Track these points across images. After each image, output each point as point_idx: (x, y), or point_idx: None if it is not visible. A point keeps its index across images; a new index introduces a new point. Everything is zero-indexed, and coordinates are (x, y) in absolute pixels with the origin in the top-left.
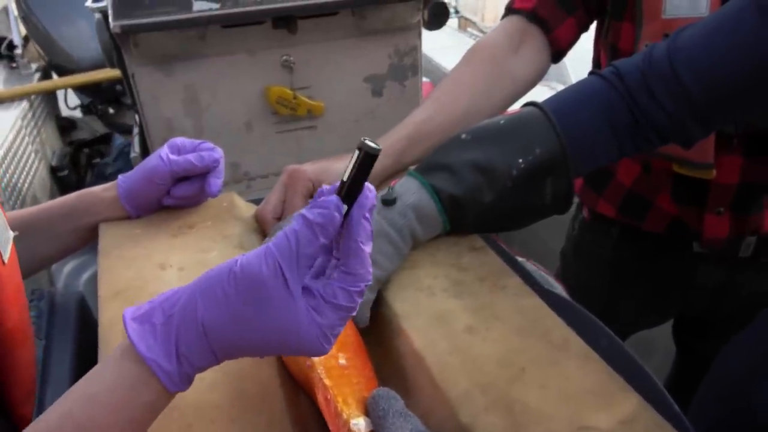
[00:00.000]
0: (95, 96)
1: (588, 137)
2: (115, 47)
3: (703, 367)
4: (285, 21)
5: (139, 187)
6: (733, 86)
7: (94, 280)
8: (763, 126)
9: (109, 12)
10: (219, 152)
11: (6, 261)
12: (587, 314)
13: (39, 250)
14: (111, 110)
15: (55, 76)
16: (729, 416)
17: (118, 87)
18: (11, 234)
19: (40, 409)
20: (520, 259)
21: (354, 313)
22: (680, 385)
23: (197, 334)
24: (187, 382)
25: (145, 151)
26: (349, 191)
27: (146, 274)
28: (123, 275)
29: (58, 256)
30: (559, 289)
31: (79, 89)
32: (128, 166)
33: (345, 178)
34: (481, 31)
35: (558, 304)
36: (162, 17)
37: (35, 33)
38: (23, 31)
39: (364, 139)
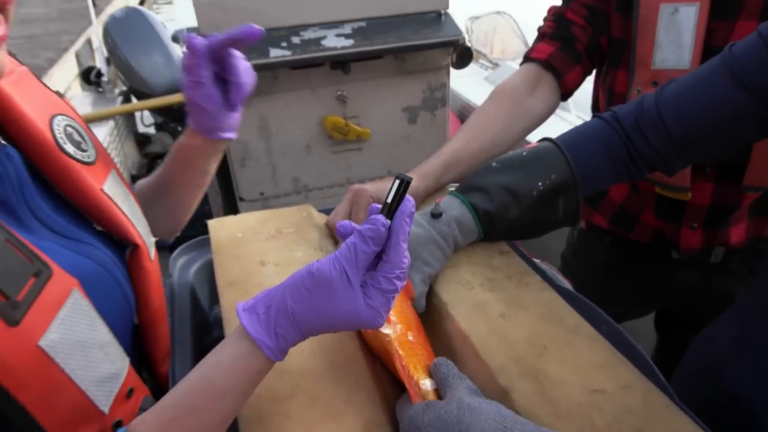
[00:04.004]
0: (167, 116)
1: (593, 166)
2: None
3: (680, 352)
4: (341, 64)
5: (194, 108)
6: (706, 133)
7: (200, 271)
8: (729, 158)
9: None
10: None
11: (152, 258)
12: (591, 305)
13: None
14: (179, 128)
15: (134, 99)
16: (706, 391)
17: (187, 108)
18: (153, 239)
19: (173, 367)
20: (535, 260)
21: (397, 294)
22: (661, 366)
23: (288, 320)
24: (283, 354)
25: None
26: (391, 209)
27: (251, 269)
28: (233, 270)
29: (192, 196)
30: (567, 284)
31: (154, 110)
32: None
33: (388, 201)
34: (490, 62)
35: (568, 296)
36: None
37: (119, 63)
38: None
39: (399, 173)
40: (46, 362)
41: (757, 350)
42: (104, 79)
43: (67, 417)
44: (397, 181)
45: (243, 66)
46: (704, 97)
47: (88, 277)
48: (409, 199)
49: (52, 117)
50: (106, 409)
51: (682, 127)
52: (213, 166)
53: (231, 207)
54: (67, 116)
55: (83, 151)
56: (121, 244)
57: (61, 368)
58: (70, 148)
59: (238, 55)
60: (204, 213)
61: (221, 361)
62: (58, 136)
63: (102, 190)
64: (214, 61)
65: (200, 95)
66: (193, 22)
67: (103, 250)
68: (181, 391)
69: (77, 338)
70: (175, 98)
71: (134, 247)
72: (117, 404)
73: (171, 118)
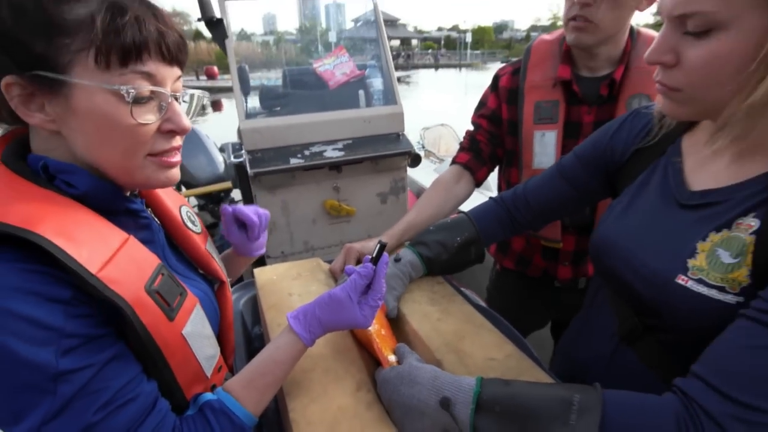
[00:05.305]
0: (207, 200)
1: (489, 228)
2: (240, 179)
3: None
4: (336, 167)
5: (232, 243)
6: (551, 207)
7: (246, 303)
8: (576, 223)
9: (247, 165)
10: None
11: (230, 291)
12: (495, 314)
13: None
14: (216, 208)
15: (183, 188)
16: (564, 365)
17: (222, 194)
18: (230, 279)
19: (235, 361)
20: (462, 288)
21: (379, 307)
22: None
23: (317, 322)
24: (312, 343)
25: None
26: (376, 259)
27: (283, 298)
28: (271, 299)
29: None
30: (481, 302)
31: (198, 196)
32: (229, 245)
33: (374, 255)
34: (438, 158)
35: (480, 309)
36: (274, 167)
37: None
38: None
39: (381, 238)
40: (184, 343)
41: (587, 333)
42: None
43: (190, 377)
44: (379, 243)
45: (253, 219)
46: (548, 188)
47: (199, 300)
48: (386, 255)
49: (180, 206)
50: (209, 375)
51: (539, 204)
52: (248, 264)
53: (260, 262)
54: (186, 206)
55: (195, 226)
56: (212, 281)
57: (190, 347)
58: (189, 224)
59: (249, 217)
60: None
61: (279, 346)
62: (184, 218)
63: (206, 248)
64: (237, 220)
65: (232, 238)
66: (223, 133)
67: (204, 284)
68: (253, 365)
69: (198, 331)
70: (213, 188)
71: (221, 283)
72: (213, 374)
73: (209, 202)
